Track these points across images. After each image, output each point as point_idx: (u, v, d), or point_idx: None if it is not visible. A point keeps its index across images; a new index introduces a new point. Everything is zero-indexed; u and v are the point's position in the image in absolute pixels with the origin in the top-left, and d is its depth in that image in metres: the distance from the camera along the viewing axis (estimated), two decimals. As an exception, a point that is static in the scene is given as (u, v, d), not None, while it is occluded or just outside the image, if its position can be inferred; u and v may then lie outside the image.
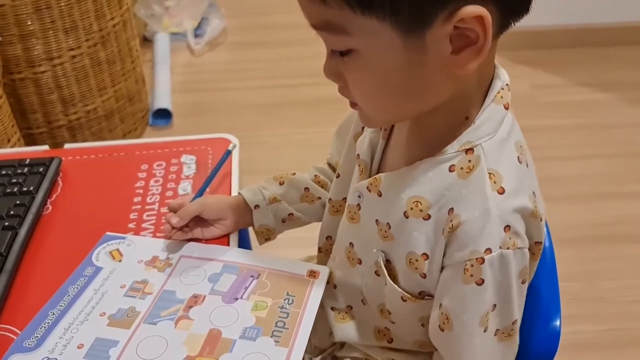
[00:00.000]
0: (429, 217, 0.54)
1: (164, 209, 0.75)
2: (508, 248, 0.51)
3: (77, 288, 0.65)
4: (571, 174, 1.66)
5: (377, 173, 0.61)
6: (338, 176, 0.69)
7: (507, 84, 0.54)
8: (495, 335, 0.54)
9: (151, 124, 1.93)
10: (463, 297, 0.52)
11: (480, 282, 0.51)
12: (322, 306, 0.71)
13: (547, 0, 2.21)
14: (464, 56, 0.47)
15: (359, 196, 0.60)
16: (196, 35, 2.42)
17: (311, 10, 0.48)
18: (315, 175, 0.77)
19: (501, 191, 0.51)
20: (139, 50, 1.83)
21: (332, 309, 0.70)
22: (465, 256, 0.51)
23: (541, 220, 0.54)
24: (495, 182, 0.51)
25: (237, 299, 0.63)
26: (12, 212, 0.72)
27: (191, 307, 0.62)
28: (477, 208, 0.51)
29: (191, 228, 0.70)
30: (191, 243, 0.70)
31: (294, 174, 0.76)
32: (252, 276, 0.65)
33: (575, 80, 2.09)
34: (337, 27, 0.47)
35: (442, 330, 0.55)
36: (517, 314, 0.55)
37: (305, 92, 2.07)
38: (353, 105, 0.55)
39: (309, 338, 0.75)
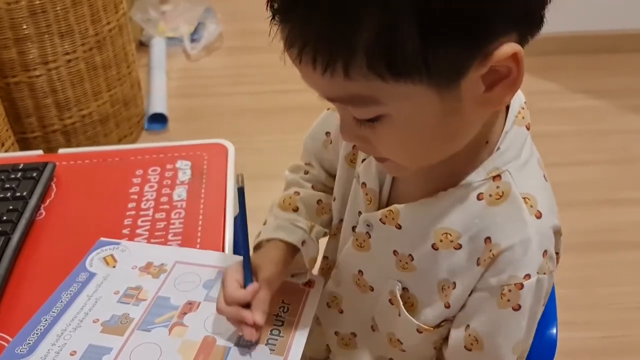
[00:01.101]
0: (460, 246, 0.52)
1: (159, 215, 0.75)
2: (544, 273, 0.50)
3: (70, 294, 0.64)
4: (566, 181, 1.66)
5: (388, 202, 0.58)
6: (334, 199, 0.67)
7: (525, 102, 0.53)
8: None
9: (146, 128, 1.93)
10: (498, 321, 0.51)
11: (517, 308, 0.50)
12: (321, 325, 0.70)
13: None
14: (498, 92, 0.45)
15: (368, 225, 0.58)
16: (192, 40, 2.41)
17: (330, 86, 0.43)
18: (312, 186, 0.71)
19: (539, 215, 0.50)
20: (135, 54, 1.82)
21: (336, 333, 0.68)
22: (502, 281, 0.50)
23: (561, 235, 0.54)
24: (532, 207, 0.50)
25: None
26: (4, 218, 0.71)
27: (186, 313, 0.61)
28: (517, 235, 0.50)
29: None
30: (186, 249, 0.70)
31: (297, 193, 0.69)
32: None
33: (569, 87, 2.10)
34: (365, 98, 0.43)
35: (470, 350, 0.54)
36: (533, 336, 0.54)
37: (301, 97, 2.05)
38: (381, 160, 0.52)
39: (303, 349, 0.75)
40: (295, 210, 0.67)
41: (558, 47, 2.23)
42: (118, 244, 0.70)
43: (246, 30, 2.55)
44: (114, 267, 0.67)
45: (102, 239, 0.71)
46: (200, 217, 0.75)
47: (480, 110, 0.47)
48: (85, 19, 1.50)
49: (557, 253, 0.54)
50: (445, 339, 0.58)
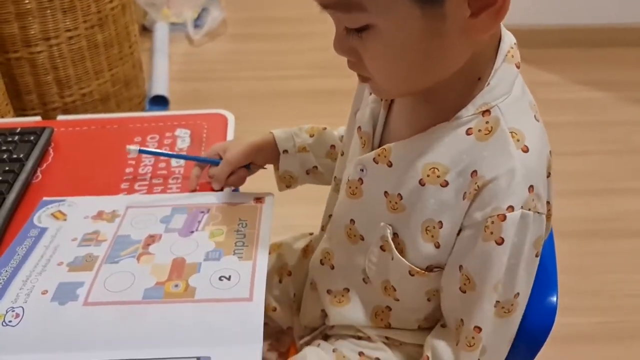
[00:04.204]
0: (446, 183, 0.52)
1: (156, 180, 0.74)
2: (529, 209, 0.50)
3: (25, 248, 0.62)
4: (567, 170, 1.65)
5: (381, 144, 0.59)
6: (342, 154, 0.68)
7: (515, 43, 0.54)
8: (494, 307, 0.53)
9: (147, 110, 1.92)
10: (483, 256, 0.51)
11: (500, 242, 0.50)
12: (315, 288, 0.70)
13: (543, 0, 2.22)
14: (483, 19, 0.46)
15: (362, 169, 0.59)
16: (196, 26, 2.41)
17: None
18: (342, 136, 0.75)
19: (525, 149, 0.50)
20: (137, 35, 1.81)
21: (328, 291, 0.68)
22: (486, 214, 0.50)
23: (549, 176, 0.54)
24: (518, 141, 0.50)
25: (192, 232, 0.64)
26: (0, 178, 0.71)
27: (149, 245, 0.62)
28: (502, 167, 0.50)
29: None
30: (135, 195, 0.71)
31: (325, 128, 0.76)
32: (202, 212, 0.67)
33: (570, 79, 2.10)
34: (353, 4, 0.45)
35: (464, 292, 0.53)
36: (521, 288, 0.53)
37: (303, 83, 2.07)
38: (365, 79, 0.54)
39: (298, 318, 0.75)
40: (312, 136, 0.75)
41: (560, 40, 2.24)
42: (63, 200, 0.70)
43: (249, 18, 2.55)
44: (65, 220, 0.66)
45: (45, 198, 0.70)
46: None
47: (464, 37, 0.47)
48: (88, -5, 1.50)
49: (548, 202, 0.53)
50: (439, 291, 0.58)
